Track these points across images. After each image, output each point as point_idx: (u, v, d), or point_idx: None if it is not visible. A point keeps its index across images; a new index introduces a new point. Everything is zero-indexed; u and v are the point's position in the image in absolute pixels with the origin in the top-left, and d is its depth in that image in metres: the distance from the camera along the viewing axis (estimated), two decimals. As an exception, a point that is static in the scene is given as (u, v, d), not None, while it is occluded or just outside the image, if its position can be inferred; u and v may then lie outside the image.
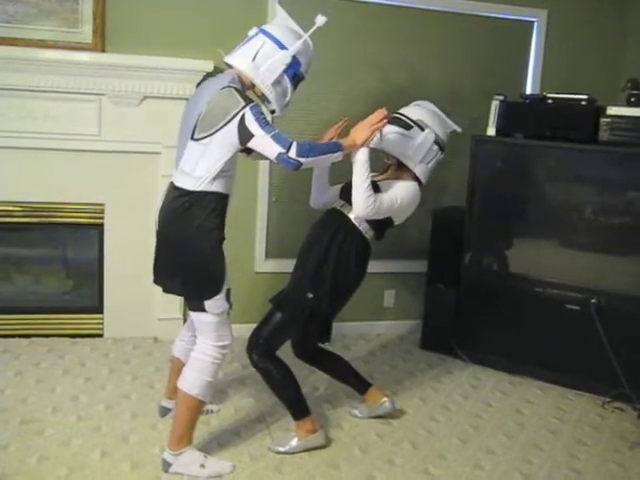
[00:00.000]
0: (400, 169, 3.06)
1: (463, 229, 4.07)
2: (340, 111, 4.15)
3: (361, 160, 2.79)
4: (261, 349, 2.92)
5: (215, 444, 2.95)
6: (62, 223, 3.96)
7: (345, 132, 2.91)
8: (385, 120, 2.79)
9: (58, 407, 3.18)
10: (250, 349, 2.94)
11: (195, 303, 2.69)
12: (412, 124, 2.99)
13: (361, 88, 4.20)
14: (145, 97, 3.84)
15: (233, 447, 2.95)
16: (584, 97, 3.79)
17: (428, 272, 4.26)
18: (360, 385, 3.29)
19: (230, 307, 2.72)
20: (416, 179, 3.02)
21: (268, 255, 4.25)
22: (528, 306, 3.90)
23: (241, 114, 2.53)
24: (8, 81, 3.64)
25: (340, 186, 3.09)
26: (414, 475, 2.86)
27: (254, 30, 2.75)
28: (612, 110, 3.68)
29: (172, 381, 3.03)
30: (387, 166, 3.14)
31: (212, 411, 3.23)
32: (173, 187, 2.71)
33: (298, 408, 2.97)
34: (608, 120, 3.67)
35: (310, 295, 2.89)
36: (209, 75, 2.92)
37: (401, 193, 2.94)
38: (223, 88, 2.60)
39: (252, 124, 2.53)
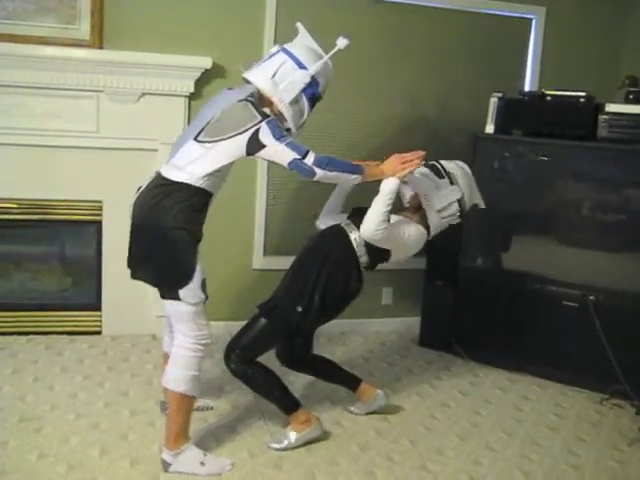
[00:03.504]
0: (414, 214, 3.11)
1: (461, 226, 4.05)
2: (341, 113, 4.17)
3: (389, 189, 2.82)
4: (238, 359, 2.92)
5: (213, 441, 2.95)
6: (60, 220, 3.96)
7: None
8: (420, 161, 2.83)
9: (57, 405, 3.18)
10: (227, 358, 2.93)
11: (169, 292, 2.68)
12: (445, 175, 3.07)
13: (359, 85, 4.20)
14: (143, 94, 3.83)
15: (231, 444, 2.95)
16: (583, 94, 3.79)
17: (426, 269, 4.25)
18: (350, 382, 3.30)
19: (206, 298, 2.70)
20: (426, 227, 3.07)
21: (266, 252, 4.24)
22: (526, 303, 3.90)
23: (256, 128, 2.55)
24: (6, 78, 3.63)
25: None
26: (413, 472, 2.86)
27: (275, 48, 2.77)
28: (611, 107, 3.69)
29: None
30: (402, 209, 3.18)
31: (210, 408, 3.23)
32: (159, 176, 2.70)
33: (287, 403, 2.99)
34: (607, 117, 3.69)
35: (299, 309, 2.89)
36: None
37: (410, 232, 3.00)
38: (240, 100, 2.62)
39: (267, 137, 2.56)
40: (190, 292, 2.63)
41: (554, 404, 3.62)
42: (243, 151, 2.60)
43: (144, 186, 2.75)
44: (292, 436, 2.95)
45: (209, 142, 2.61)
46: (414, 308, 4.44)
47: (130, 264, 2.81)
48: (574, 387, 3.78)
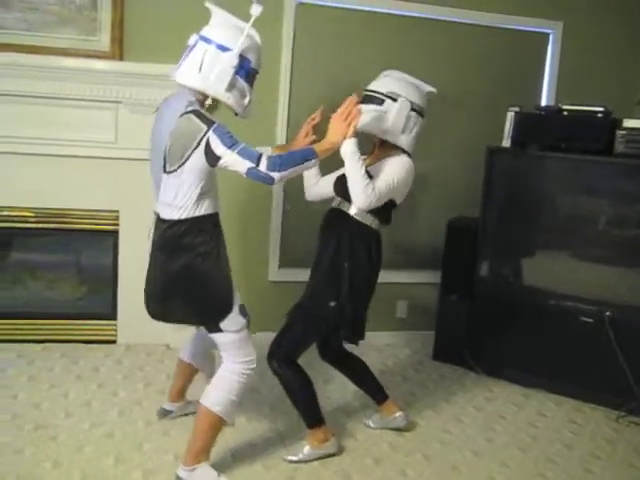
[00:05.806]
0: (385, 146, 2.95)
1: (477, 240, 4.06)
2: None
3: (350, 152, 2.69)
4: (281, 357, 2.91)
5: (228, 454, 2.95)
6: (77, 229, 3.98)
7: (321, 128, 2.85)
8: (357, 109, 2.66)
9: (71, 413, 3.20)
10: (270, 356, 2.92)
11: (211, 327, 2.66)
12: (383, 97, 2.87)
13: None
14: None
15: (246, 457, 2.94)
16: (600, 109, 3.78)
17: (441, 283, 4.24)
18: (378, 394, 3.29)
19: (248, 320, 2.68)
20: (404, 152, 2.93)
21: (282, 264, 4.25)
22: (542, 318, 3.88)
23: (206, 139, 2.45)
24: (26, 88, 3.67)
25: (332, 177, 3.01)
26: (427, 487, 2.85)
27: (193, 38, 2.62)
28: (628, 122, 3.67)
29: (177, 384, 3.13)
30: (374, 146, 3.04)
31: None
32: (160, 220, 2.64)
33: (313, 417, 2.97)
34: (624, 132, 3.67)
35: (332, 303, 2.85)
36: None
37: (394, 172, 2.84)
38: (182, 115, 2.53)
39: (218, 146, 2.45)
40: (231, 321, 2.61)
41: (569, 421, 3.59)
42: (206, 164, 2.49)
43: (152, 231, 2.69)
44: (306, 450, 2.95)
45: (176, 170, 2.53)
46: (428, 322, 4.41)
47: (156, 312, 2.76)
48: (590, 403, 3.75)
